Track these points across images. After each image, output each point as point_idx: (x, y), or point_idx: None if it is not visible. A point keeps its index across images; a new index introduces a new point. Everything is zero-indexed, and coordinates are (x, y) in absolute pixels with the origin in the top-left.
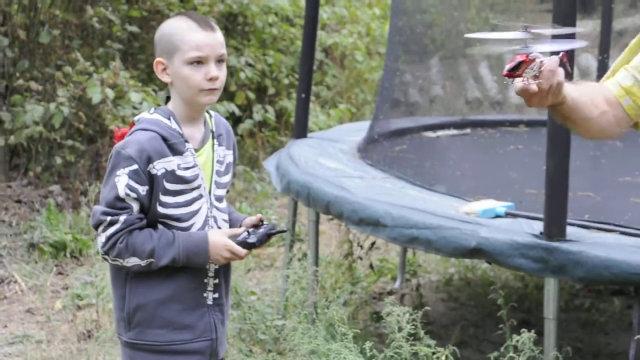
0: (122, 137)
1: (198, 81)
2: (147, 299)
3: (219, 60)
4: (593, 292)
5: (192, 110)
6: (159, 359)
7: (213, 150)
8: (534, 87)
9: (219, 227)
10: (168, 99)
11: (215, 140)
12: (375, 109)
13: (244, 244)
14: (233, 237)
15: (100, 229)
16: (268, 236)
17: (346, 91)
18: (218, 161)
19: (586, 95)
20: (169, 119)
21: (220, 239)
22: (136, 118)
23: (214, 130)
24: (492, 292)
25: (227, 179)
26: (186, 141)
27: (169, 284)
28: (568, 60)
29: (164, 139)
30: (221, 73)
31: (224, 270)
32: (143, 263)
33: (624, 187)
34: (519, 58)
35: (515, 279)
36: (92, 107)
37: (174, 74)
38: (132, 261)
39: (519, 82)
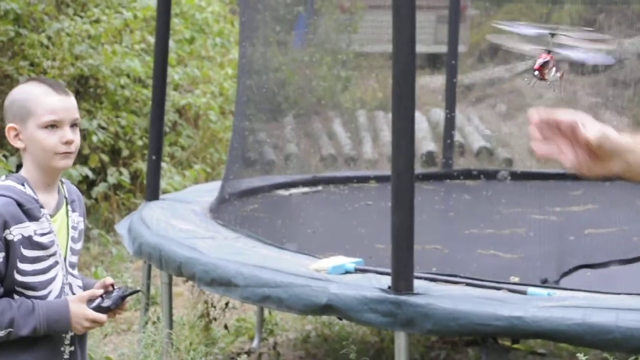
0: None
1: (53, 144)
2: None
3: (73, 125)
4: (448, 344)
5: (46, 176)
6: None
7: (67, 217)
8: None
9: (74, 294)
10: (19, 167)
11: (69, 207)
12: (225, 169)
13: (100, 309)
14: (89, 303)
15: None
16: (122, 298)
17: (201, 151)
18: (72, 227)
19: None
20: (23, 185)
21: (79, 309)
22: None
23: (67, 196)
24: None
25: (80, 245)
26: (41, 207)
27: (27, 355)
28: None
29: (19, 205)
30: (76, 137)
31: (80, 338)
32: (2, 333)
33: (471, 239)
34: (545, 56)
35: (372, 333)
36: None
37: (28, 138)
38: None
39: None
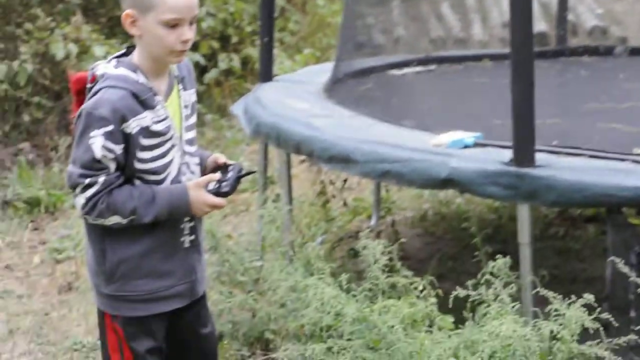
0: (78, 82)
1: (171, 42)
2: (129, 253)
3: (191, 22)
4: (567, 221)
5: (158, 66)
6: (143, 307)
7: (179, 97)
8: None
9: (192, 173)
10: (129, 48)
11: (180, 85)
12: (337, 50)
13: (219, 194)
14: (206, 186)
15: (78, 190)
16: (238, 179)
17: (309, 36)
18: (185, 106)
19: None
20: (135, 73)
21: (199, 195)
22: (99, 73)
23: (177, 74)
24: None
25: (193, 119)
26: (155, 94)
27: (150, 236)
28: None
29: (135, 96)
30: (193, 34)
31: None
32: (125, 221)
33: (591, 113)
34: None
35: (489, 211)
36: (56, 63)
37: (146, 30)
38: (114, 219)
39: None
